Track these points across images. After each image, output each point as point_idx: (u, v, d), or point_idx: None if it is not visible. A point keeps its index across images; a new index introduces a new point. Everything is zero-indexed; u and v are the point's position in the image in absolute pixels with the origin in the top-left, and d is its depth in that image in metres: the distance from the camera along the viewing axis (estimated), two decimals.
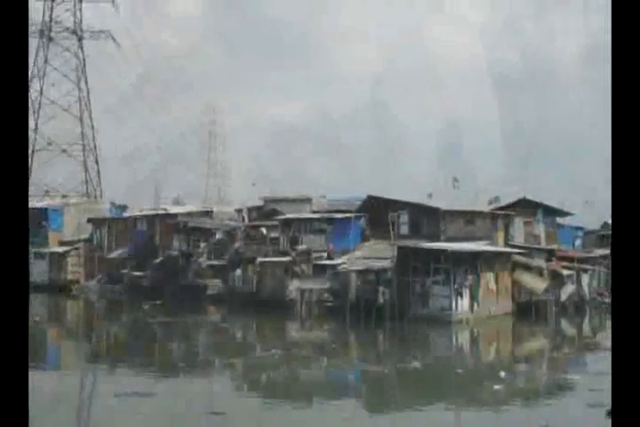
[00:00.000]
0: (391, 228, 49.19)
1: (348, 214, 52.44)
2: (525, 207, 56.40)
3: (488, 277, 46.00)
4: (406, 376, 28.80)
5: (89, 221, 67.51)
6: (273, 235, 53.60)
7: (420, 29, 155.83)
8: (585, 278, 51.93)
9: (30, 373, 28.47)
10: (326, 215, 53.67)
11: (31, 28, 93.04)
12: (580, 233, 61.70)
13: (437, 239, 49.17)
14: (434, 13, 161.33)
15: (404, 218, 51.68)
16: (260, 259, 52.12)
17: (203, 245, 58.95)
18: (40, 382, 28.39)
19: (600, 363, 32.75)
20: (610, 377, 26.06)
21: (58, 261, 66.42)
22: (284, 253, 51.62)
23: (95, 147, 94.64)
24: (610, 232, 68.67)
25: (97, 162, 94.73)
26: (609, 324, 48.58)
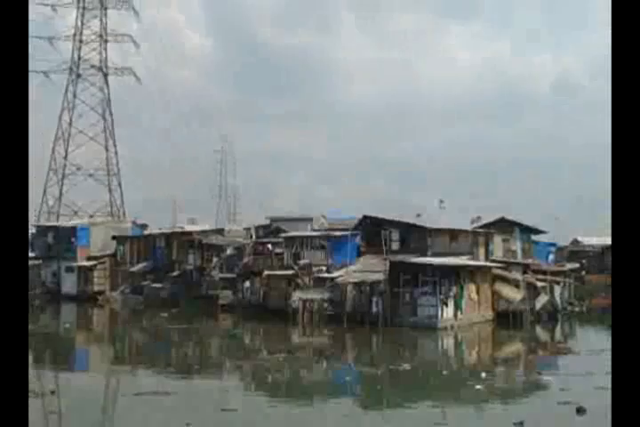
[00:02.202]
0: (384, 244, 49.21)
1: (345, 232, 52.48)
2: (504, 226, 56.52)
3: (470, 289, 46.05)
4: (397, 377, 28.81)
5: (113, 238, 67.53)
6: (278, 250, 53.62)
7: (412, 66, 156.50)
8: (557, 290, 51.93)
9: (60, 373, 28.45)
10: (325, 233, 53.73)
11: (61, 66, 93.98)
12: (553, 249, 61.74)
13: (425, 254, 49.23)
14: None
15: (396, 235, 51.70)
16: (266, 272, 52.13)
17: (215, 259, 58.97)
18: (68, 380, 28.53)
19: (571, 365, 32.79)
20: (581, 378, 26.02)
21: (85, 274, 66.40)
22: (288, 267, 51.63)
23: (118, 171, 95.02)
24: (578, 248, 69.03)
25: (120, 185, 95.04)
26: (578, 330, 48.70)
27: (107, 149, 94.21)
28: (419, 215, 54.07)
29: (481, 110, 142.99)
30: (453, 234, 51.97)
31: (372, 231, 51.62)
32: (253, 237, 59.81)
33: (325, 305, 47.52)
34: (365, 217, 53.66)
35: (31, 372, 26.63)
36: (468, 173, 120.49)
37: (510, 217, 57.68)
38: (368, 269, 47.83)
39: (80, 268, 66.61)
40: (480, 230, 54.01)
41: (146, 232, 69.22)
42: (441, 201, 57.37)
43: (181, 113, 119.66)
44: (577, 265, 59.58)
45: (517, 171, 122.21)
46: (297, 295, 48.50)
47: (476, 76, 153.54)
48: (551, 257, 60.28)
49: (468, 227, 54.84)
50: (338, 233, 52.69)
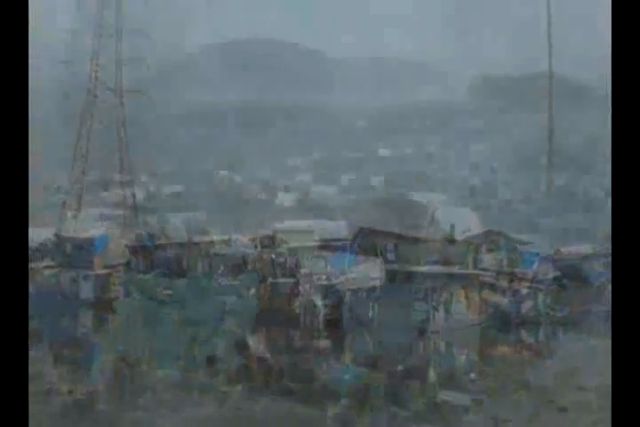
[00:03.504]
0: (379, 253, 49.35)
1: (344, 242, 52.57)
2: (491, 236, 56.61)
3: (460, 295, 46.16)
4: (392, 377, 28.93)
5: (127, 247, 67.53)
6: (281, 260, 53.72)
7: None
8: (540, 296, 52.00)
9: (78, 373, 28.52)
10: (326, 243, 53.84)
11: (78, 88, 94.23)
12: (536, 258, 61.74)
13: (418, 263, 49.31)
14: None
15: (391, 245, 51.81)
16: (270, 279, 52.19)
17: (222, 268, 58.98)
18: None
19: (553, 365, 32.93)
20: (563, 378, 26.14)
21: (101, 281, 66.36)
22: (291, 275, 51.71)
23: (133, 186, 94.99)
24: (560, 257, 68.96)
25: (134, 197, 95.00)
26: (560, 333, 48.76)
27: (122, 166, 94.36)
28: (413, 226, 54.19)
29: (480, 111, 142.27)
30: (445, 244, 52.07)
31: (368, 242, 51.75)
32: (258, 246, 59.82)
33: (325, 310, 47.61)
34: (363, 228, 53.85)
35: (51, 371, 26.88)
36: (468, 173, 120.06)
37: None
38: (365, 276, 47.98)
39: (97, 275, 66.64)
40: (469, 241, 54.12)
41: (157, 242, 69.18)
42: (434, 211, 57.68)
43: (191, 132, 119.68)
44: (559, 273, 59.70)
45: (516, 171, 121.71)
46: (299, 301, 48.59)
47: (475, 80, 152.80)
48: (535, 265, 60.36)
49: (459, 237, 54.98)
50: (337, 243, 52.81)
